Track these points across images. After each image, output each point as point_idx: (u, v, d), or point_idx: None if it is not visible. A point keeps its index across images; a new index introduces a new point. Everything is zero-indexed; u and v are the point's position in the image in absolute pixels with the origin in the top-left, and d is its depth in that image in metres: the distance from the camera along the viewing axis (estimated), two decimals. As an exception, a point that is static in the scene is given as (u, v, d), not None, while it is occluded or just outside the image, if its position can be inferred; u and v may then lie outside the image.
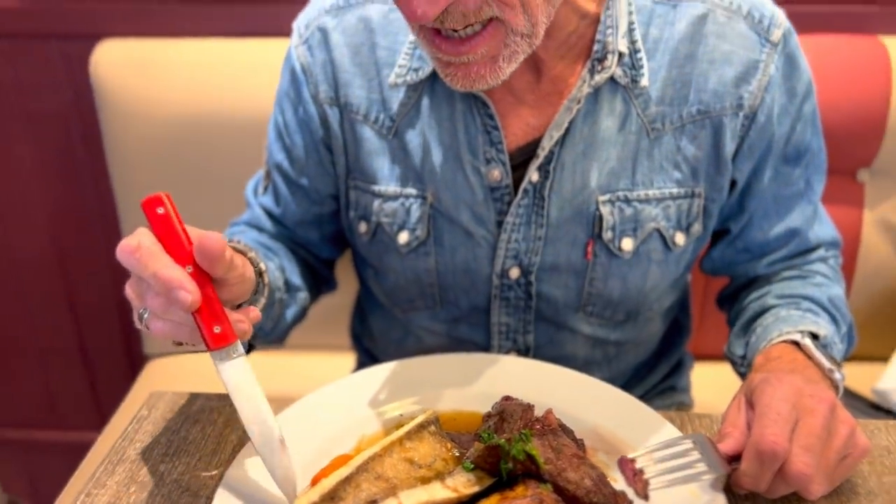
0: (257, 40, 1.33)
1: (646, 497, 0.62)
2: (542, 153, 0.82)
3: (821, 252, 0.94)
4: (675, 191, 0.85)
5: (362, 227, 0.92)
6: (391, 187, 0.88)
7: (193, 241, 0.61)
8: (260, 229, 0.97)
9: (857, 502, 0.67)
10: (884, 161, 1.30)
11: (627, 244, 0.86)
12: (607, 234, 0.85)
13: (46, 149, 1.51)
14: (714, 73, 0.82)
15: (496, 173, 0.84)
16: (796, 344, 0.80)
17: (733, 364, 0.92)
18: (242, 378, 0.63)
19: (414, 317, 0.97)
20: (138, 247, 0.59)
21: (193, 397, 0.82)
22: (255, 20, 1.36)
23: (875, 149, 1.29)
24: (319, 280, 1.02)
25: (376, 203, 0.89)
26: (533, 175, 0.83)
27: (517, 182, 0.85)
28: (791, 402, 0.64)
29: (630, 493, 0.64)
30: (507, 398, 0.72)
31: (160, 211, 0.63)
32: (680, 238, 0.87)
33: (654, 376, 1.06)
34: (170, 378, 1.42)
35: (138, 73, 1.31)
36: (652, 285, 0.90)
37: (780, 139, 0.86)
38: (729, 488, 0.67)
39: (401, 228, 0.89)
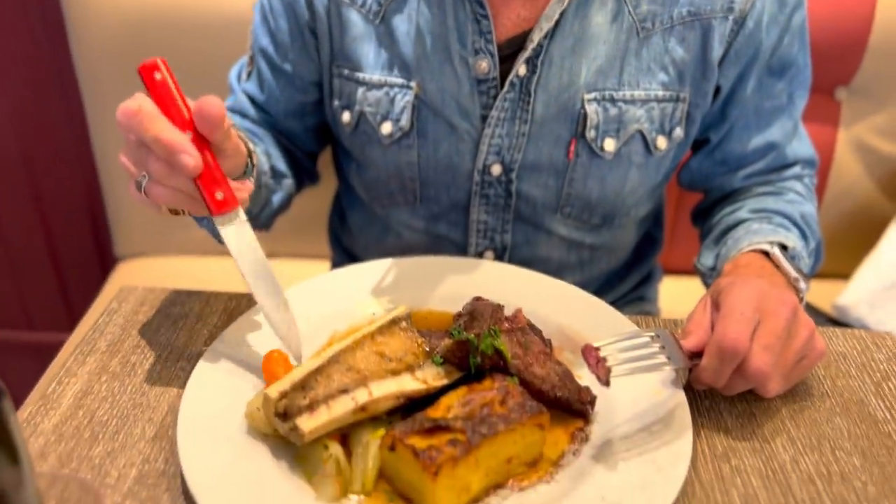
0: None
1: (607, 383, 0.63)
2: (530, 45, 0.81)
3: (797, 169, 0.95)
4: (660, 93, 0.85)
5: (345, 116, 0.91)
6: (376, 75, 0.87)
7: (193, 105, 0.61)
8: (244, 115, 0.96)
9: (812, 403, 0.70)
10: (862, 80, 1.30)
11: (610, 144, 0.86)
12: (590, 133, 0.85)
13: (6, 45, 1.45)
14: None
15: (484, 64, 0.83)
16: (765, 254, 0.82)
17: (702, 276, 0.94)
18: (246, 240, 0.65)
19: (393, 212, 0.97)
20: (139, 109, 0.58)
21: (163, 292, 0.82)
22: None
23: (854, 67, 1.28)
24: (303, 171, 1.02)
25: (360, 91, 0.88)
26: (521, 68, 0.83)
27: (504, 76, 0.84)
28: (755, 303, 0.65)
29: (592, 381, 0.65)
30: (477, 298, 0.73)
31: (157, 76, 0.61)
32: (662, 142, 0.88)
33: (625, 286, 1.08)
34: (141, 279, 1.42)
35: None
36: (630, 189, 0.91)
37: (766, 49, 0.86)
38: (689, 386, 0.69)
39: (384, 119, 0.88)
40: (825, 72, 1.26)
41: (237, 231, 0.65)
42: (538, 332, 0.72)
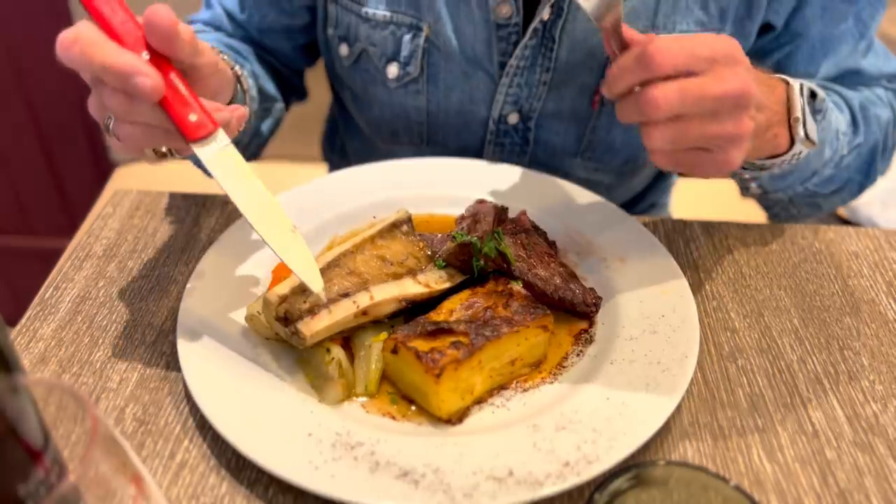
0: None
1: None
2: None
3: (882, 82, 0.85)
4: (699, 33, 0.76)
5: (343, 49, 0.83)
6: (381, 10, 0.78)
7: (144, 15, 0.51)
8: (222, 30, 0.87)
9: (821, 302, 0.69)
10: None
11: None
12: None
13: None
14: None
15: (505, 8, 0.75)
16: (787, 84, 0.67)
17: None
18: (234, 165, 0.55)
19: (397, 150, 0.91)
20: (77, 38, 0.50)
21: (160, 196, 0.80)
22: None
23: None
24: (290, 89, 0.95)
25: (363, 27, 0.80)
26: (545, 13, 0.74)
27: (526, 21, 0.76)
28: (714, 53, 0.54)
29: (597, 282, 0.64)
30: (480, 201, 0.71)
31: None
32: None
33: (639, 204, 1.03)
34: (140, 183, 1.39)
35: None
36: None
37: None
38: (696, 286, 0.68)
39: (390, 60, 0.80)
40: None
41: (221, 156, 0.55)
42: (542, 234, 0.70)
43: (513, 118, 0.82)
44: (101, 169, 1.67)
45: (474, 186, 0.78)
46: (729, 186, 0.84)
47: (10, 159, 1.66)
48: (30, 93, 1.56)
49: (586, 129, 0.83)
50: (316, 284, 0.56)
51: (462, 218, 0.69)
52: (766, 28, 0.81)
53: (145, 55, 0.52)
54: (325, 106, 1.11)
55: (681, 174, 0.70)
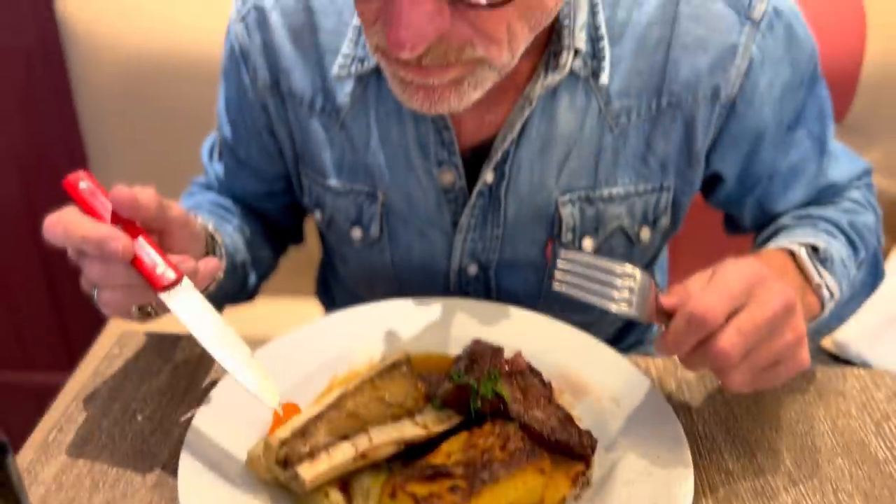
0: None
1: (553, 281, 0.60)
2: (495, 155, 0.76)
3: (854, 184, 0.87)
4: (641, 187, 0.80)
5: (317, 214, 0.88)
6: (341, 183, 0.83)
7: (111, 193, 0.61)
8: (217, 191, 0.94)
9: (812, 443, 0.70)
10: (855, 117, 1.32)
11: (588, 244, 0.82)
12: (567, 236, 0.81)
13: (8, 86, 1.46)
14: (686, 60, 0.74)
15: (448, 176, 0.79)
16: (792, 255, 0.74)
17: None
18: (196, 307, 0.62)
19: (374, 300, 0.94)
20: (59, 219, 0.59)
21: (165, 337, 0.82)
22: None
23: (847, 104, 1.30)
24: (285, 237, 1.00)
25: (328, 196, 0.85)
26: (487, 176, 0.78)
27: (473, 181, 0.79)
28: (746, 284, 0.58)
29: (593, 424, 0.65)
30: (476, 341, 0.73)
31: (83, 186, 0.63)
32: (645, 233, 0.83)
33: (621, 342, 1.04)
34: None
35: (106, 10, 1.27)
36: None
37: (775, 119, 0.79)
38: (690, 428, 0.69)
39: (353, 224, 0.85)
40: (818, 109, 1.28)
41: (185, 300, 0.62)
42: (538, 375, 0.72)
43: (472, 269, 0.86)
44: (104, 304, 1.70)
45: (471, 325, 0.81)
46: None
47: (13, 290, 1.69)
48: (39, 226, 1.61)
49: (543, 277, 0.85)
50: (271, 401, 0.61)
51: (459, 358, 0.71)
52: (718, 179, 0.84)
53: (119, 227, 0.61)
54: (318, 250, 1.14)
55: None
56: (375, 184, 0.82)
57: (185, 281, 0.62)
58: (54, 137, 1.51)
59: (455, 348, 0.76)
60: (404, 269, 0.87)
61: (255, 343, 0.76)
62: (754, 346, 0.57)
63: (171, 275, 0.61)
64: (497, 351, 0.72)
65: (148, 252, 0.61)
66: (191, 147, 1.12)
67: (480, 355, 0.70)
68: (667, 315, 0.60)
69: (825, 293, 0.73)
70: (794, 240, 0.76)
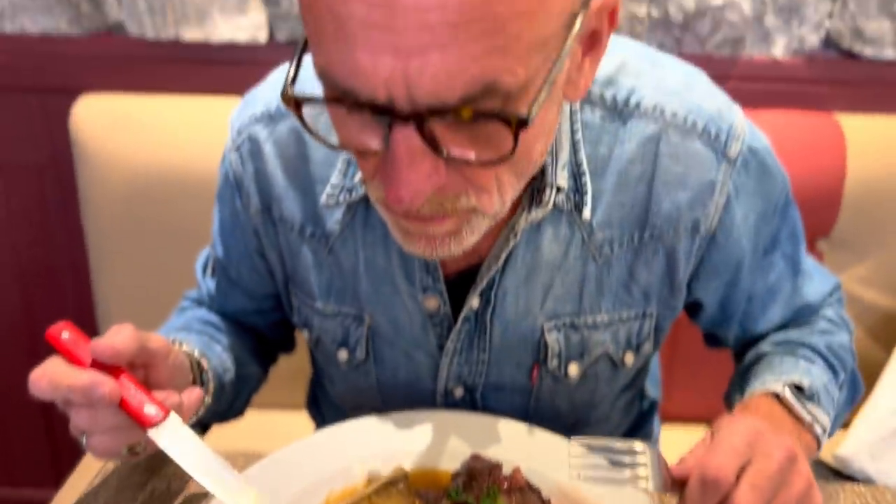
0: (236, 99, 1.35)
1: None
2: (481, 282, 0.78)
3: (827, 301, 0.91)
4: (624, 314, 0.81)
5: (306, 333, 0.90)
6: (329, 305, 0.85)
7: (91, 346, 0.62)
8: (209, 308, 0.96)
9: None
10: (841, 232, 1.35)
11: (574, 369, 0.83)
12: (553, 362, 0.83)
13: (19, 201, 1.50)
14: (667, 196, 0.76)
15: (433, 302, 0.80)
16: (778, 396, 0.77)
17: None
18: (183, 440, 0.64)
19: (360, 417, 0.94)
20: (43, 373, 0.61)
21: (158, 451, 0.81)
22: (234, 79, 1.38)
23: (832, 220, 1.34)
24: (276, 348, 1.01)
25: (316, 318, 0.87)
26: (473, 302, 0.79)
27: (458, 305, 0.80)
28: (748, 439, 0.61)
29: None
30: (475, 457, 0.73)
31: (65, 335, 0.65)
32: (629, 357, 0.85)
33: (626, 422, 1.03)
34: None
35: (118, 128, 1.32)
36: (600, 398, 0.89)
37: (752, 247, 0.82)
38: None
39: (340, 346, 0.87)
40: (805, 225, 1.32)
41: (173, 436, 0.64)
42: (536, 492, 0.71)
43: (458, 392, 0.86)
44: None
45: (469, 440, 0.80)
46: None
47: (3, 404, 1.67)
48: (34, 336, 1.61)
49: (530, 399, 0.86)
50: None
51: (457, 475, 0.71)
52: (699, 306, 0.87)
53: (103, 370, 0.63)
54: (308, 363, 1.14)
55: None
56: (362, 307, 0.83)
57: (172, 416, 0.64)
58: (59, 251, 1.54)
59: (453, 463, 0.75)
60: (390, 390, 0.88)
61: (247, 458, 0.76)
62: (770, 498, 0.59)
63: (157, 412, 0.63)
64: (495, 467, 0.71)
65: (133, 392, 0.63)
66: (191, 263, 1.14)
67: (479, 472, 0.69)
68: (680, 484, 0.63)
69: (818, 429, 0.76)
70: (777, 378, 0.79)
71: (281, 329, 0.98)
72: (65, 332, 0.65)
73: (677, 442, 1.23)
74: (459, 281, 0.80)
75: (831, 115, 1.35)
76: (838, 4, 1.33)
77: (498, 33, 0.48)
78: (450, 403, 0.87)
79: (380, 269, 0.80)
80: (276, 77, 0.83)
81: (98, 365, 0.62)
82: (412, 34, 0.47)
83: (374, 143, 0.54)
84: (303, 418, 1.25)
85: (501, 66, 0.49)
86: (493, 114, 0.51)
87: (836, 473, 1.28)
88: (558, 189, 0.74)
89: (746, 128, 0.77)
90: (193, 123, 1.33)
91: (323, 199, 0.78)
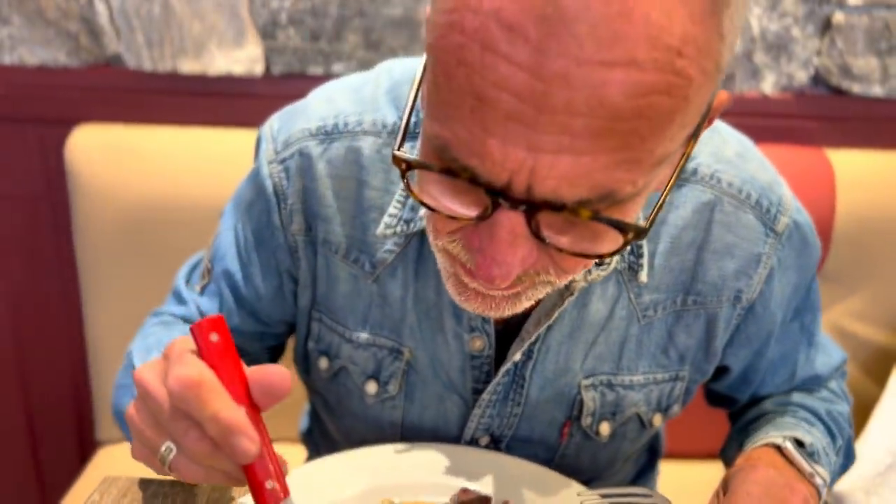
0: (232, 131, 1.36)
1: None
2: (528, 336, 0.77)
3: (834, 376, 0.93)
4: (659, 376, 0.82)
5: (322, 362, 0.86)
6: (364, 335, 0.81)
7: (253, 375, 0.53)
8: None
9: None
10: (832, 267, 1.36)
11: (605, 428, 0.83)
12: (586, 420, 0.82)
13: (11, 231, 1.50)
14: (715, 264, 0.77)
15: (479, 343, 0.79)
16: (779, 448, 0.79)
17: (727, 468, 0.89)
18: None
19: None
20: (201, 381, 0.50)
21: (147, 483, 0.81)
22: (230, 111, 1.40)
23: (823, 255, 1.35)
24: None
25: (345, 347, 0.83)
26: (516, 355, 0.78)
27: (499, 352, 0.80)
28: (763, 486, 0.64)
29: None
30: (464, 490, 0.72)
31: (214, 338, 0.53)
32: (657, 419, 0.85)
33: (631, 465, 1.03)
34: (122, 466, 1.38)
35: (113, 159, 1.33)
36: (622, 456, 0.89)
37: (782, 317, 0.83)
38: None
39: (370, 378, 0.83)
40: (796, 259, 1.33)
41: None
42: (527, 526, 0.71)
43: (483, 440, 0.85)
44: (84, 447, 1.66)
45: (458, 473, 0.79)
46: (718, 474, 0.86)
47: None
48: (25, 375, 1.60)
49: (555, 456, 0.86)
50: None
51: (446, 508, 0.70)
52: (724, 370, 0.88)
53: (243, 409, 0.52)
54: (301, 395, 1.13)
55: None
56: (402, 340, 0.81)
57: (291, 500, 0.54)
58: (51, 281, 1.53)
59: (442, 496, 0.74)
60: (413, 432, 0.85)
61: (238, 490, 0.75)
62: None
63: (278, 491, 0.53)
64: (485, 500, 0.71)
65: (265, 458, 0.53)
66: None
67: (468, 505, 0.69)
68: None
69: (819, 481, 0.76)
70: (779, 433, 0.80)
71: (270, 356, 0.94)
72: (214, 335, 0.53)
73: (674, 476, 1.23)
74: (502, 329, 0.79)
75: (821, 150, 1.36)
76: (826, 42, 1.35)
77: (634, 148, 0.48)
78: None
79: (428, 303, 0.78)
80: (330, 94, 0.80)
81: (237, 392, 0.52)
82: (552, 136, 0.47)
83: (473, 212, 0.54)
84: (291, 450, 1.24)
85: (626, 178, 0.50)
86: (612, 221, 0.51)
87: (831, 509, 1.27)
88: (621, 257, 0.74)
89: (793, 202, 0.78)
90: (189, 155, 1.34)
91: (379, 228, 0.76)
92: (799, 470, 0.76)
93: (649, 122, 0.47)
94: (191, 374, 0.50)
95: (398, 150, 0.54)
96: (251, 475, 0.52)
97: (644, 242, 0.74)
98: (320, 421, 1.01)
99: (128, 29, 1.36)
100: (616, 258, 0.73)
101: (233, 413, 0.50)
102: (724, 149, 0.76)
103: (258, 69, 1.38)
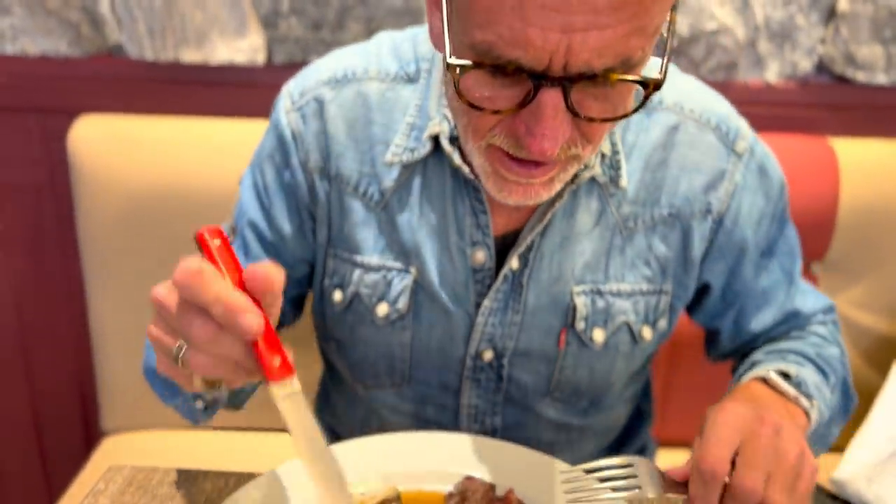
0: (234, 120, 1.36)
1: None
2: (523, 242, 0.85)
3: (819, 317, 0.97)
4: (644, 287, 0.90)
5: (336, 295, 0.92)
6: (374, 258, 0.89)
7: (248, 269, 0.58)
8: None
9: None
10: (835, 255, 1.35)
11: (598, 335, 0.90)
12: (580, 325, 0.89)
13: (15, 220, 1.51)
14: (685, 179, 0.87)
15: (480, 255, 0.87)
16: (764, 380, 0.83)
17: None
18: (302, 414, 0.59)
19: (377, 394, 0.97)
20: (200, 270, 0.55)
21: (152, 472, 0.81)
22: (232, 101, 1.40)
23: (826, 243, 1.35)
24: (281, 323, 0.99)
25: (357, 273, 0.90)
26: (513, 262, 0.86)
27: (498, 267, 0.88)
28: (734, 426, 0.66)
29: None
30: (468, 478, 0.73)
31: (216, 243, 0.60)
32: (647, 332, 0.91)
33: (626, 446, 1.07)
34: (127, 455, 1.39)
35: (116, 149, 1.32)
36: (617, 375, 0.93)
37: (753, 241, 0.91)
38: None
39: (380, 300, 0.89)
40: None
41: (293, 403, 0.59)
42: (530, 513, 0.71)
43: (487, 355, 0.91)
44: (89, 437, 1.67)
45: (462, 462, 0.80)
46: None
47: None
48: (30, 364, 1.61)
49: (554, 369, 0.91)
50: None
51: (451, 496, 0.71)
52: (706, 289, 0.94)
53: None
54: (314, 380, 1.14)
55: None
56: (409, 261, 0.89)
57: (295, 379, 0.59)
58: (55, 270, 1.54)
59: (446, 484, 0.75)
60: (422, 353, 0.92)
61: (239, 478, 0.76)
62: (771, 472, 0.64)
63: (286, 368, 0.58)
64: (489, 488, 0.71)
65: (269, 336, 0.57)
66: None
67: (472, 492, 0.69)
68: (682, 485, 0.67)
69: (804, 403, 0.80)
70: (764, 368, 0.85)
71: (292, 310, 0.98)
72: (216, 240, 0.60)
73: (672, 460, 1.23)
74: (502, 244, 0.87)
75: (825, 138, 1.36)
76: (830, 30, 1.34)
77: (642, 17, 0.60)
78: (478, 368, 0.91)
79: (433, 224, 0.87)
80: (338, 54, 0.91)
81: (237, 284, 0.57)
82: (580, 15, 0.58)
83: (511, 101, 0.65)
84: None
85: (637, 45, 0.61)
86: (635, 80, 0.64)
87: (833, 497, 1.27)
88: (602, 156, 0.84)
89: (750, 132, 0.90)
90: (191, 144, 1.33)
91: (386, 157, 0.86)
92: (784, 395, 0.80)
93: None
94: (191, 264, 0.55)
95: (450, 58, 0.64)
96: (258, 353, 0.57)
97: (621, 159, 0.85)
98: (328, 400, 1.06)
99: (129, 19, 1.35)
100: (597, 162, 0.84)
101: (235, 295, 0.55)
102: (685, 85, 0.89)
103: (260, 58, 1.38)
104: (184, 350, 0.60)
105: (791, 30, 1.34)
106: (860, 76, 1.36)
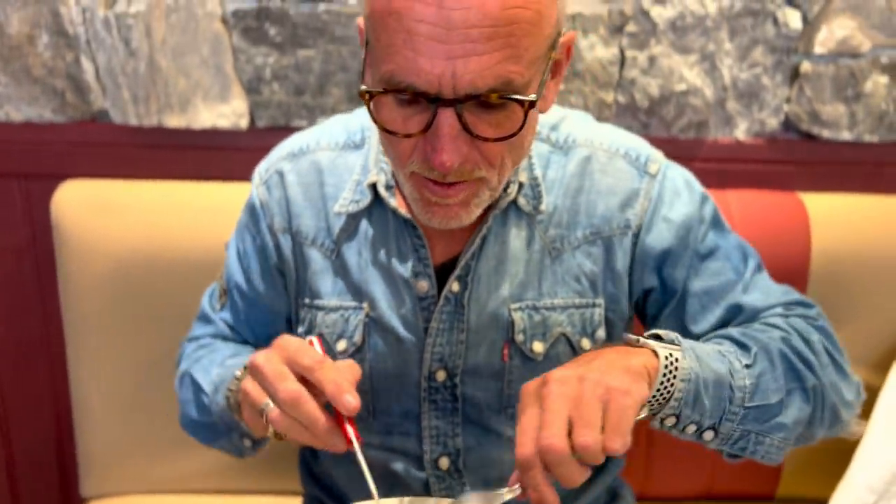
0: (218, 184, 1.38)
1: None
2: (459, 266, 0.95)
3: (777, 310, 0.94)
4: (576, 301, 0.97)
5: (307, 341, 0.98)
6: (332, 301, 1.00)
7: (337, 395, 0.74)
8: (225, 339, 1.07)
9: None
10: (810, 306, 1.38)
11: (538, 346, 0.96)
12: (519, 337, 0.96)
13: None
14: (601, 201, 0.96)
15: (424, 284, 0.96)
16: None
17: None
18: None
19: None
20: (324, 359, 0.75)
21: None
22: (215, 164, 1.42)
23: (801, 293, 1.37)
24: None
25: (319, 315, 1.00)
26: (453, 285, 0.95)
27: (440, 292, 0.96)
28: (530, 405, 0.69)
29: None
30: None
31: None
32: (586, 343, 0.97)
33: (588, 496, 1.06)
34: (106, 522, 1.36)
35: (100, 213, 1.33)
36: None
37: (683, 246, 0.95)
38: None
39: (339, 337, 0.99)
40: (774, 300, 1.35)
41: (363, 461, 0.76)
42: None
43: (441, 375, 0.97)
44: (68, 503, 1.63)
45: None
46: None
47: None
48: (7, 427, 1.58)
49: (503, 384, 0.97)
50: None
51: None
52: (647, 298, 0.99)
53: None
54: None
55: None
56: (362, 297, 0.99)
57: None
58: (35, 333, 1.53)
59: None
60: (381, 378, 0.99)
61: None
62: (570, 417, 0.66)
63: (354, 439, 0.76)
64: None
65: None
66: (171, 350, 1.14)
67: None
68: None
69: (653, 344, 0.77)
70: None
71: None
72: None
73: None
74: (443, 273, 0.96)
75: (794, 194, 1.40)
76: (795, 90, 1.39)
77: (514, 46, 0.72)
78: (433, 389, 0.98)
79: (380, 262, 0.97)
80: (296, 134, 1.06)
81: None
82: (459, 44, 0.70)
83: (418, 126, 0.76)
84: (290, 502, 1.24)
85: (514, 70, 0.73)
86: (512, 98, 0.74)
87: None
88: (520, 185, 0.94)
89: (663, 158, 0.99)
90: (176, 208, 1.35)
91: (336, 208, 0.98)
92: (626, 343, 0.79)
93: (519, 26, 0.71)
94: (315, 355, 0.77)
95: (362, 87, 0.77)
96: (344, 424, 0.76)
97: (542, 191, 0.95)
98: (309, 449, 1.10)
99: (114, 86, 1.38)
100: (515, 191, 0.93)
101: (347, 398, 0.74)
102: (599, 128, 1.00)
103: (243, 123, 1.41)
104: (268, 409, 0.77)
105: (758, 90, 1.39)
106: (825, 133, 1.41)
